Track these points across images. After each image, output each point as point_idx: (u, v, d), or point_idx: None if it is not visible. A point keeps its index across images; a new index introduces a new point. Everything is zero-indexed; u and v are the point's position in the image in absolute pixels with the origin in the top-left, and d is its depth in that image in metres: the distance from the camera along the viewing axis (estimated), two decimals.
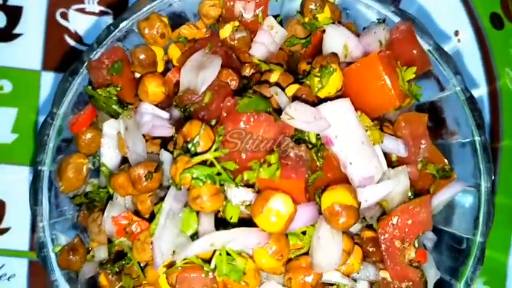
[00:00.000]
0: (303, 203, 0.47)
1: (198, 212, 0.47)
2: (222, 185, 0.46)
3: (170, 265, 0.48)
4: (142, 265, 0.53)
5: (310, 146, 0.49)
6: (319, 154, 0.49)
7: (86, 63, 0.56)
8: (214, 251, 0.46)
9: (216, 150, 0.46)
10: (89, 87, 0.56)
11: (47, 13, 0.86)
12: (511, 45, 0.93)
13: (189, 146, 0.45)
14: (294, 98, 0.52)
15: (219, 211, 0.48)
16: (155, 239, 0.48)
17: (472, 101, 0.60)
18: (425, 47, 0.59)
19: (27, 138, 0.85)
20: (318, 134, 0.50)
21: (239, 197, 0.47)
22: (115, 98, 0.54)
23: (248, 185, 0.47)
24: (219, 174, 0.45)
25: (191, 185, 0.45)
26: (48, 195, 0.59)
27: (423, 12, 0.90)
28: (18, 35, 0.86)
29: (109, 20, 0.86)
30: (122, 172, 0.53)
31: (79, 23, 0.86)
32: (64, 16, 0.86)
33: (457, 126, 0.63)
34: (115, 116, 0.56)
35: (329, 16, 0.56)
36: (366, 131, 0.51)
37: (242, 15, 0.56)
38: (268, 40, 0.56)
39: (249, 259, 0.46)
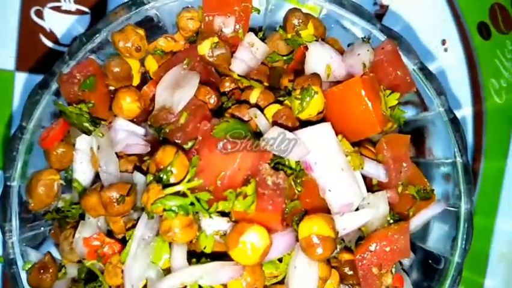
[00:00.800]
0: (279, 231, 0.46)
1: (170, 243, 0.46)
2: (196, 213, 0.45)
3: None
4: None
5: (289, 171, 0.48)
6: (298, 181, 0.48)
7: (56, 76, 0.53)
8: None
9: (189, 181, 0.44)
10: (60, 102, 0.53)
11: (20, 11, 0.82)
12: (497, 56, 0.92)
13: (161, 175, 0.44)
14: (274, 120, 0.50)
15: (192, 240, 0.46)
16: (126, 268, 0.46)
17: (455, 122, 0.59)
18: (410, 66, 0.57)
19: None
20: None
21: (213, 226, 0.45)
22: (86, 115, 0.51)
23: (223, 214, 0.46)
24: (192, 204, 0.44)
25: (163, 217, 0.44)
26: (18, 211, 0.56)
27: (411, 21, 0.88)
28: None
29: (86, 20, 0.82)
30: (94, 192, 0.50)
31: (55, 22, 0.83)
32: (39, 14, 0.83)
33: (439, 146, 0.62)
34: (87, 133, 0.53)
35: (312, 33, 0.54)
36: (347, 156, 0.50)
37: (221, 30, 0.53)
38: (248, 56, 0.54)
39: None
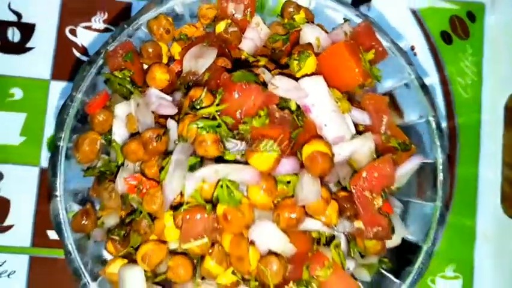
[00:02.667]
0: (287, 154, 0.57)
1: (201, 160, 0.57)
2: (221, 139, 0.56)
3: (176, 209, 0.56)
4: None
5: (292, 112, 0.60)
6: (299, 118, 0.60)
7: (103, 53, 0.67)
8: (212, 194, 0.55)
9: (217, 105, 0.56)
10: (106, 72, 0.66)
11: (58, 29, 0.97)
12: (460, 58, 1.08)
13: (194, 104, 0.56)
14: None
15: None
16: (165, 184, 0.56)
17: (424, 87, 0.73)
18: (383, 42, 0.72)
19: (34, 140, 0.94)
20: (298, 105, 0.62)
21: (235, 147, 0.57)
22: (128, 79, 0.64)
23: (242, 139, 0.57)
24: (219, 126, 0.55)
25: (197, 134, 0.55)
26: (64, 169, 0.67)
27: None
28: (30, 49, 0.97)
29: None
30: (133, 140, 0.62)
31: (85, 38, 0.98)
32: (73, 32, 0.98)
33: (412, 109, 0.75)
34: (127, 96, 0.66)
35: (304, 17, 0.70)
36: (337, 102, 0.62)
37: (233, 15, 0.68)
38: (255, 36, 0.68)
39: (244, 197, 0.55)
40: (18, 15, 0.96)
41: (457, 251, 1.02)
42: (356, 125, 0.66)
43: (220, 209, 0.56)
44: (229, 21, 0.67)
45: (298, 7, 0.70)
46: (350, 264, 0.65)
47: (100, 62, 0.68)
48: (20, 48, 0.96)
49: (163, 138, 0.59)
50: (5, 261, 0.91)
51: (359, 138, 0.62)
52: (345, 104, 0.63)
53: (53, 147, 0.66)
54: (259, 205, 0.57)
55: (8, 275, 0.91)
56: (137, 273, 0.61)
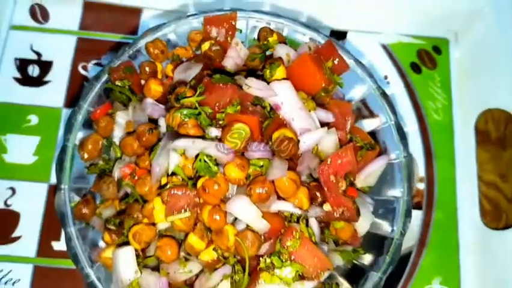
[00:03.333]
0: (259, 140, 0.67)
1: None
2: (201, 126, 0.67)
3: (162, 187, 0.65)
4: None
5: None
6: (270, 113, 0.71)
7: (107, 69, 0.80)
8: (195, 173, 0.64)
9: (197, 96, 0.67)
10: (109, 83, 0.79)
11: (72, 66, 1.12)
12: (430, 85, 1.20)
13: (179, 97, 0.67)
14: None
15: None
16: (153, 162, 0.66)
17: (384, 95, 0.84)
18: (346, 59, 0.84)
19: (45, 160, 1.04)
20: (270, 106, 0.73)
21: (213, 132, 0.67)
22: (127, 87, 0.77)
23: (219, 126, 0.68)
24: (199, 114, 0.66)
25: (180, 122, 0.66)
26: (69, 166, 0.77)
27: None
28: (47, 82, 1.11)
29: None
30: (129, 135, 0.73)
31: (95, 72, 1.12)
32: (85, 68, 1.13)
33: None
34: (126, 104, 0.78)
35: (276, 39, 0.83)
36: (304, 102, 0.73)
37: (217, 37, 0.82)
38: (235, 54, 0.81)
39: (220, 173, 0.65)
40: (39, 54, 1.12)
41: (442, 264, 1.07)
42: (323, 125, 0.76)
43: (200, 182, 0.65)
44: (213, 41, 0.80)
45: (272, 31, 0.84)
46: (323, 248, 0.71)
47: (104, 77, 0.81)
48: (38, 81, 1.11)
49: (154, 131, 0.70)
50: (10, 270, 0.98)
51: (324, 129, 0.71)
52: (311, 103, 0.73)
53: (61, 148, 0.77)
54: (233, 180, 0.66)
55: (13, 283, 0.97)
56: (129, 251, 0.68)
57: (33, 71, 1.12)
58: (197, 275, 0.71)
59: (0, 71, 1.10)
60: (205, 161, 0.64)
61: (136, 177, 0.70)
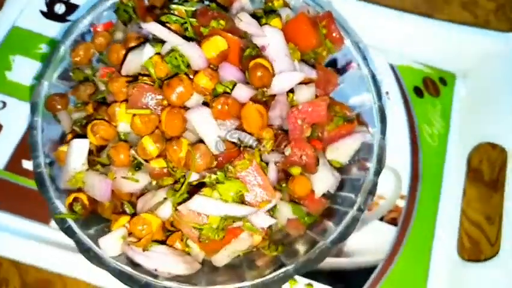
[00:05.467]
0: (235, 64, 0.69)
1: None
2: None
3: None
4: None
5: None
6: (254, 49, 0.73)
7: None
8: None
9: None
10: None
11: None
12: (429, 110, 1.20)
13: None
14: None
15: None
16: (129, 54, 0.68)
17: (373, 77, 0.84)
18: (345, 38, 0.87)
19: None
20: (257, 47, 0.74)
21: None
22: (132, 8, 0.80)
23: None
24: (185, 23, 0.69)
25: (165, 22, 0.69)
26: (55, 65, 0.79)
27: None
28: (69, 20, 1.17)
29: None
30: (119, 43, 0.76)
31: None
32: None
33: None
34: (126, 24, 0.81)
35: (282, 3, 0.87)
36: (290, 52, 0.75)
37: None
38: (239, 6, 0.84)
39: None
40: None
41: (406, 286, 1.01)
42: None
43: (168, 81, 0.66)
44: None
45: None
46: (277, 196, 0.69)
47: None
48: (61, 18, 1.17)
49: (142, 39, 0.73)
50: None
51: (302, 74, 0.72)
52: (296, 53, 0.75)
53: (55, 47, 0.80)
54: (200, 89, 0.66)
55: None
56: (83, 142, 0.68)
57: (60, 8, 1.19)
58: (141, 194, 0.70)
59: (30, 2, 1.17)
60: (175, 58, 0.66)
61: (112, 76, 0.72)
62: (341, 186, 0.81)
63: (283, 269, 0.68)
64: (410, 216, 1.09)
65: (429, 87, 1.23)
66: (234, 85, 0.68)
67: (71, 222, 0.68)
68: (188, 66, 0.67)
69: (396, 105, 1.19)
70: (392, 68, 1.24)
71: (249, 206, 0.63)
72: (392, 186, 1.07)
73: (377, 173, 0.78)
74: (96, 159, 0.70)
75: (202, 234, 0.62)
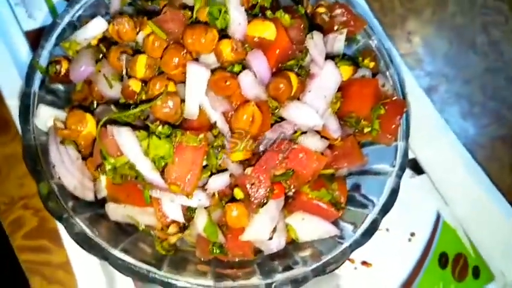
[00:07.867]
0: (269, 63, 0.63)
1: None
2: None
3: None
4: None
5: None
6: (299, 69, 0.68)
7: None
8: None
9: None
10: None
11: None
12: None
13: None
14: None
15: None
16: None
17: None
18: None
19: None
20: None
21: None
22: None
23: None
24: None
25: None
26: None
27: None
28: None
29: None
30: None
31: None
32: None
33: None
34: None
35: None
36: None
37: None
38: None
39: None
40: None
41: None
42: None
43: (194, 25, 0.63)
44: None
45: None
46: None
47: None
48: None
49: None
50: None
51: (320, 123, 0.66)
52: (336, 105, 0.70)
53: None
54: (219, 53, 0.62)
55: None
56: (102, 21, 0.67)
57: None
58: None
59: None
60: (219, 11, 0.61)
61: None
62: None
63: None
64: None
65: (457, 266, 1.04)
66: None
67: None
68: (223, 29, 0.63)
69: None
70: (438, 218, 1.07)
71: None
72: None
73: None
74: (100, 44, 0.69)
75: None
